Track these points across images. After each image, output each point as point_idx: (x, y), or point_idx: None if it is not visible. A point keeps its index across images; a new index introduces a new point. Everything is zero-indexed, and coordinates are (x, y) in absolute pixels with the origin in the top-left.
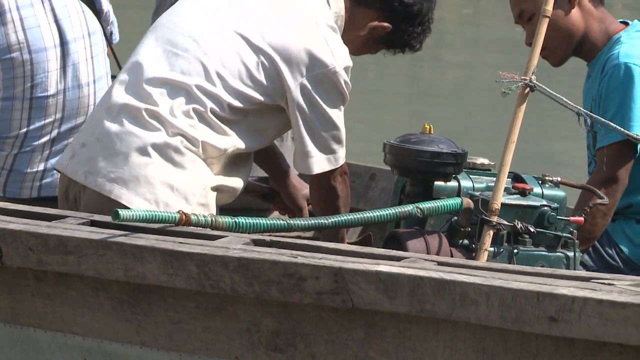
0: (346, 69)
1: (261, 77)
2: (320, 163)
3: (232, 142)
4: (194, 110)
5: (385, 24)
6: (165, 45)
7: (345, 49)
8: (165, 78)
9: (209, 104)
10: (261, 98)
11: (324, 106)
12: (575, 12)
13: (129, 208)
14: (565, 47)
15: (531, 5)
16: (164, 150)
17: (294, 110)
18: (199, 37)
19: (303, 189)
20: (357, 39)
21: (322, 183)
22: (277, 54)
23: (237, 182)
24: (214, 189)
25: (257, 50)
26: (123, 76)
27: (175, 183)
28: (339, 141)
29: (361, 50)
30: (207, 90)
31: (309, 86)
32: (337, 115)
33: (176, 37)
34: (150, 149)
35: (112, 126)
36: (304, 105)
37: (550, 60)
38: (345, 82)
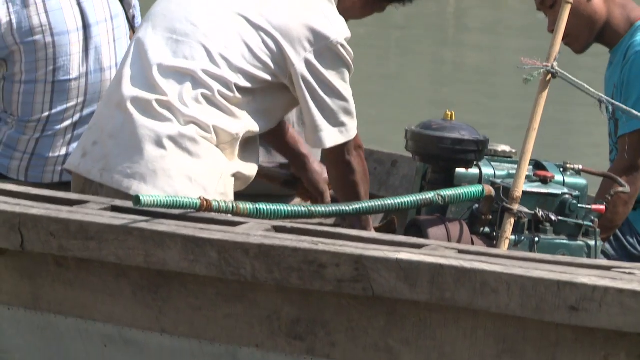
0: (346, 39)
1: (264, 55)
2: (331, 136)
3: (243, 125)
4: (203, 95)
5: None
6: (165, 33)
7: (342, 20)
8: (170, 65)
9: (216, 87)
10: (267, 77)
11: (329, 78)
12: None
13: None
14: (587, 34)
15: None
16: (178, 141)
17: (300, 86)
18: (198, 21)
19: (324, 173)
20: (355, 2)
21: (337, 158)
22: (278, 31)
23: (251, 168)
24: (231, 176)
25: (257, 28)
26: (127, 70)
27: (193, 174)
28: (348, 112)
29: (364, 12)
30: (213, 73)
31: (312, 60)
32: (344, 86)
33: (174, 23)
34: (165, 141)
35: (124, 121)
36: (310, 79)
37: (572, 47)
38: (348, 51)
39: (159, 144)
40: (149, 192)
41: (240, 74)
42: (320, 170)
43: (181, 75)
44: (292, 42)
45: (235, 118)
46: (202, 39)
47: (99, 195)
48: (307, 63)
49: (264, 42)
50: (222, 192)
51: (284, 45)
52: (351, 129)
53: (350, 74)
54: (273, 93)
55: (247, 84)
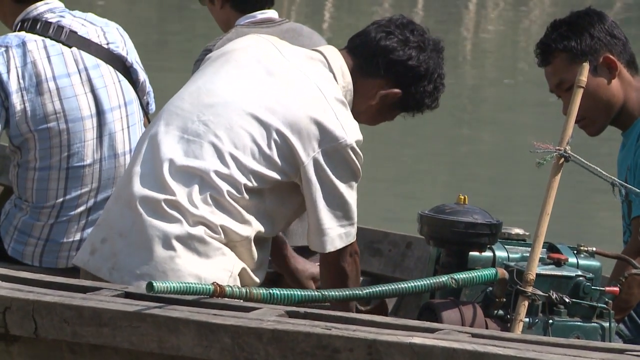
0: (357, 142)
1: (274, 154)
2: (333, 241)
3: (252, 228)
4: (211, 196)
5: (395, 90)
6: (177, 132)
7: (355, 123)
8: (181, 165)
9: (225, 187)
10: (276, 176)
11: (335, 182)
12: (615, 82)
13: None
14: (604, 117)
15: (572, 75)
16: (187, 242)
17: (308, 186)
18: (209, 121)
19: (307, 269)
20: (369, 109)
21: (332, 262)
22: (288, 130)
23: (261, 265)
24: (240, 274)
25: (267, 127)
26: (137, 167)
27: (203, 273)
28: (349, 218)
29: (377, 119)
30: (222, 174)
31: (321, 161)
32: (349, 192)
33: (186, 123)
34: (174, 242)
35: (134, 221)
36: (316, 181)
37: (587, 130)
38: (357, 155)
39: (168, 244)
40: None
41: (250, 174)
42: (303, 267)
43: (191, 175)
44: (302, 140)
45: (243, 221)
46: (212, 139)
47: None
48: (316, 163)
49: (274, 140)
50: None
51: (293, 144)
52: (351, 234)
53: (357, 179)
54: (282, 194)
55: (256, 185)
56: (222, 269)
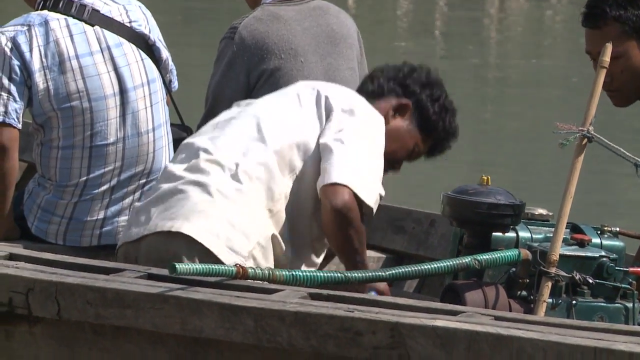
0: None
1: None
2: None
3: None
4: (252, 157)
5: (404, 100)
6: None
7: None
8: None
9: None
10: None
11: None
12: None
13: (192, 239)
14: (635, 92)
15: (619, 48)
16: (224, 189)
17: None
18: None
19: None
20: (396, 131)
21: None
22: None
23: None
24: (273, 236)
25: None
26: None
27: (236, 221)
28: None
29: (408, 143)
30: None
31: None
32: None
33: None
34: (211, 189)
35: (172, 184)
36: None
37: (616, 100)
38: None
39: (206, 190)
40: (190, 228)
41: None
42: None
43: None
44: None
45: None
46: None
47: (139, 254)
48: None
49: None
50: (262, 245)
51: None
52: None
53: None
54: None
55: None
56: (255, 221)
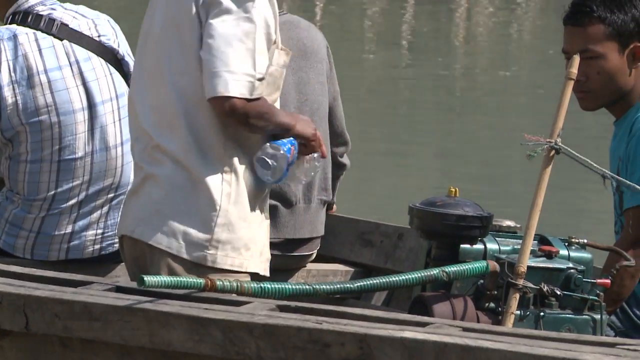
0: None
1: None
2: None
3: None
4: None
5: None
6: None
7: None
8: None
9: None
10: None
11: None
12: (634, 72)
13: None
14: (608, 99)
15: (601, 49)
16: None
17: None
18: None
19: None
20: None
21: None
22: None
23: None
24: (233, 201)
25: None
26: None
27: (192, 209)
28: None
29: None
30: None
31: None
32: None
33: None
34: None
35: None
36: None
37: (585, 103)
38: None
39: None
40: (149, 234)
41: None
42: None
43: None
44: None
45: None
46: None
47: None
48: None
49: None
50: (224, 223)
51: None
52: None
53: None
54: None
55: None
56: (208, 202)
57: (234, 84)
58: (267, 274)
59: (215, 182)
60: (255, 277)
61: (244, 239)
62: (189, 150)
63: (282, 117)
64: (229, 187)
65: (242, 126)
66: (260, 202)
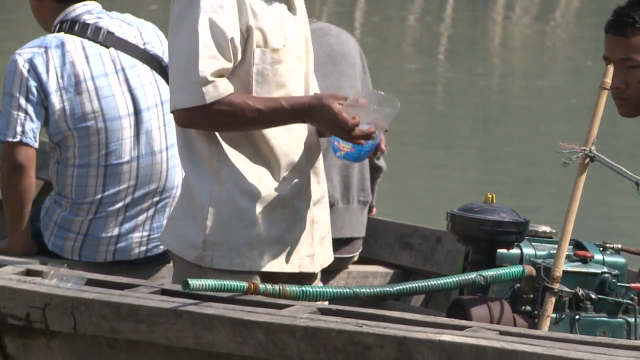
0: None
1: None
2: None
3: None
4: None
5: None
6: None
7: None
8: None
9: None
10: None
11: None
12: None
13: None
14: None
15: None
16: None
17: None
18: None
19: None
20: None
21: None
22: None
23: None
24: (224, 202)
25: None
26: None
27: (181, 211)
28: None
29: None
30: None
31: None
32: None
33: None
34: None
35: None
36: None
37: (624, 109)
38: None
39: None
40: (164, 239)
41: None
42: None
43: None
44: None
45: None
46: None
47: None
48: None
49: None
50: (216, 225)
51: None
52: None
53: None
54: None
55: None
56: (196, 199)
57: (178, 96)
58: (295, 269)
59: (204, 185)
60: (292, 277)
61: (244, 239)
62: (182, 155)
63: (267, 104)
64: (218, 189)
65: (213, 130)
66: (267, 201)
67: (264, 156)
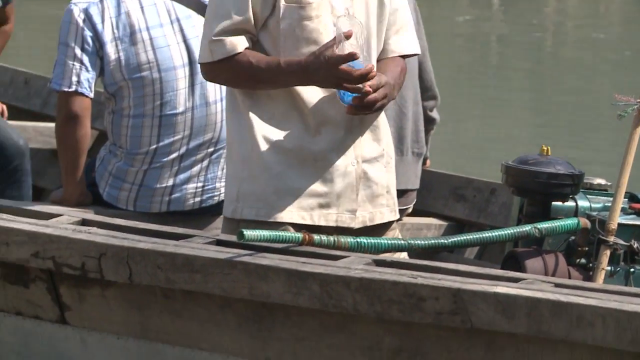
0: None
1: None
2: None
3: None
4: None
5: None
6: None
7: None
8: None
9: None
10: None
11: None
12: None
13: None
14: None
15: None
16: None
17: None
18: None
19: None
20: None
21: None
22: None
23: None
24: (257, 154)
25: None
26: None
27: (228, 169)
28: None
29: None
30: None
31: None
32: None
33: None
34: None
35: None
36: None
37: None
38: None
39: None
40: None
41: None
42: None
43: None
44: None
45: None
46: None
47: None
48: None
49: None
50: (246, 176)
51: None
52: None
53: None
54: None
55: None
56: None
57: (201, 52)
58: (330, 223)
59: (240, 138)
60: (344, 230)
61: (270, 189)
62: (227, 108)
63: (269, 64)
64: (251, 142)
65: (230, 85)
66: (296, 153)
67: (299, 110)
